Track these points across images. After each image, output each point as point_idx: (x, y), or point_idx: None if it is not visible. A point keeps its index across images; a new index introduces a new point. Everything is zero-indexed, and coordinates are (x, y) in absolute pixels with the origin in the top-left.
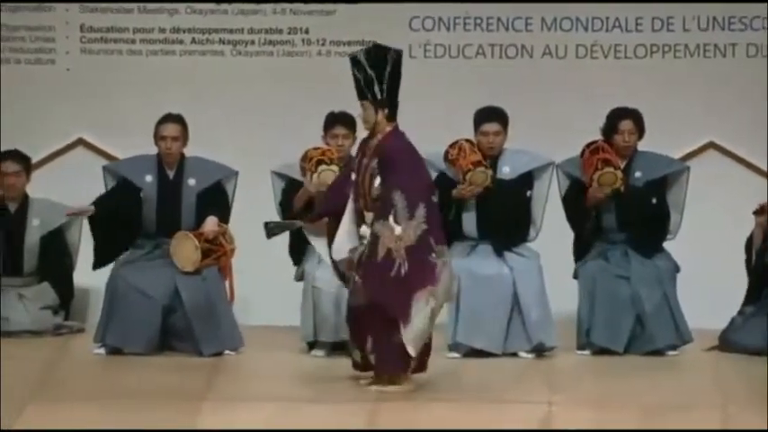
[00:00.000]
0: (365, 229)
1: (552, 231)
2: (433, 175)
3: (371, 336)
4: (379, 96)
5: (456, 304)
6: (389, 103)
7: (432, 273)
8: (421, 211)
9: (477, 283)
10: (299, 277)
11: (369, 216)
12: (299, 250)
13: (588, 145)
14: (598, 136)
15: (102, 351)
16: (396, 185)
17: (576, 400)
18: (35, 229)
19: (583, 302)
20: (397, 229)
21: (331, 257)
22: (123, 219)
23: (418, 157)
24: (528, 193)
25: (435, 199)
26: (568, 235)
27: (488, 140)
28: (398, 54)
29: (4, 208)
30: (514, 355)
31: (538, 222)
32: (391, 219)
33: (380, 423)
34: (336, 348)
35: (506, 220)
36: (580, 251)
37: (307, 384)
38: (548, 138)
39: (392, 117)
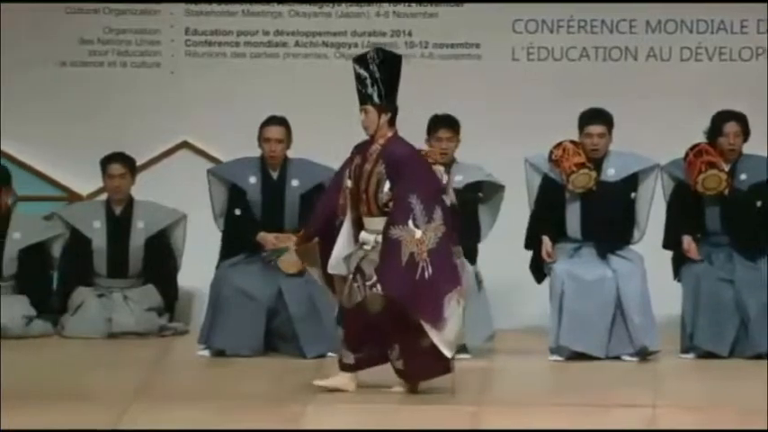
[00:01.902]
0: (366, 235)
1: (656, 233)
2: (537, 177)
3: (399, 342)
4: (381, 101)
5: (559, 307)
6: (391, 108)
7: (456, 273)
8: (438, 213)
9: (580, 286)
10: None
11: (372, 221)
12: None
13: (692, 147)
14: (703, 139)
15: (206, 353)
16: (411, 189)
17: (680, 403)
18: (140, 231)
19: (686, 305)
20: (418, 233)
21: (325, 274)
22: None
23: (426, 161)
24: (632, 195)
25: (448, 201)
26: None
27: (593, 142)
28: (399, 58)
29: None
30: (617, 358)
31: (642, 224)
32: (411, 223)
33: (484, 425)
34: None
35: (610, 222)
36: (683, 254)
37: None
38: (652, 140)
39: (393, 121)
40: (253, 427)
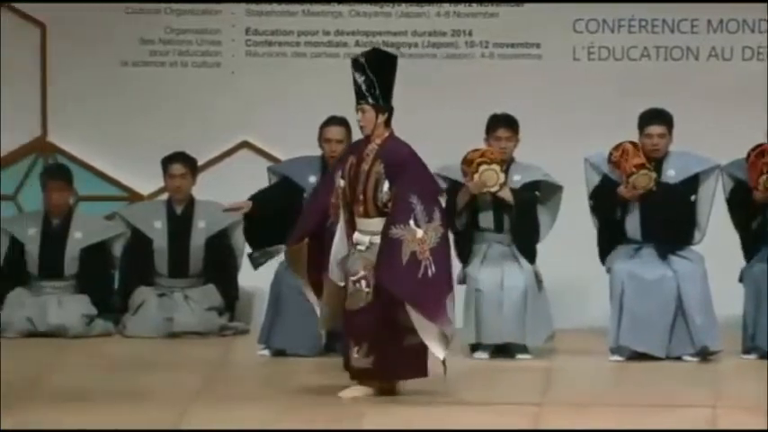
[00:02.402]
0: (360, 236)
1: (717, 234)
2: (597, 177)
3: (372, 340)
4: (379, 101)
5: (619, 307)
6: (388, 108)
7: (452, 276)
8: (437, 214)
9: (640, 286)
10: (461, 280)
11: (368, 222)
12: (466, 251)
13: (754, 148)
14: (764, 139)
15: (266, 352)
16: (412, 189)
17: (741, 404)
18: (201, 230)
19: (748, 306)
20: (419, 233)
21: (310, 277)
22: (280, 217)
23: (423, 161)
24: (693, 196)
25: (444, 202)
26: (734, 237)
27: (653, 142)
28: (395, 59)
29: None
30: (678, 358)
31: (703, 225)
32: (412, 222)
33: (545, 425)
34: (499, 351)
35: (671, 223)
36: (746, 254)
37: (470, 386)
38: (713, 140)
39: (389, 122)
40: (313, 427)
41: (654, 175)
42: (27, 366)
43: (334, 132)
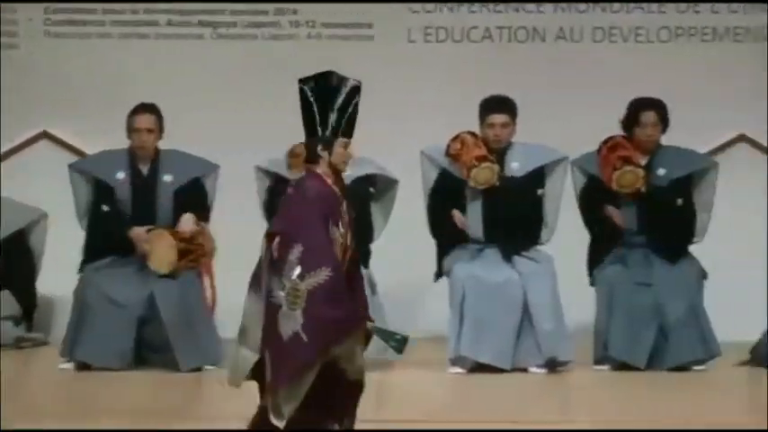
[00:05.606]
0: None
1: (567, 233)
2: (435, 172)
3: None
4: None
5: (460, 314)
6: None
7: None
8: None
9: (482, 290)
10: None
11: None
12: None
13: (605, 141)
14: (617, 129)
15: (69, 366)
16: None
17: (593, 420)
18: None
19: (600, 312)
20: None
21: None
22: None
23: None
24: (539, 191)
25: None
26: (585, 237)
27: (495, 133)
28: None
29: None
30: (524, 370)
31: (550, 223)
32: None
33: None
34: None
35: (515, 221)
36: (597, 255)
37: None
38: (561, 130)
39: None
40: None
41: (497, 168)
42: None
43: (143, 121)
